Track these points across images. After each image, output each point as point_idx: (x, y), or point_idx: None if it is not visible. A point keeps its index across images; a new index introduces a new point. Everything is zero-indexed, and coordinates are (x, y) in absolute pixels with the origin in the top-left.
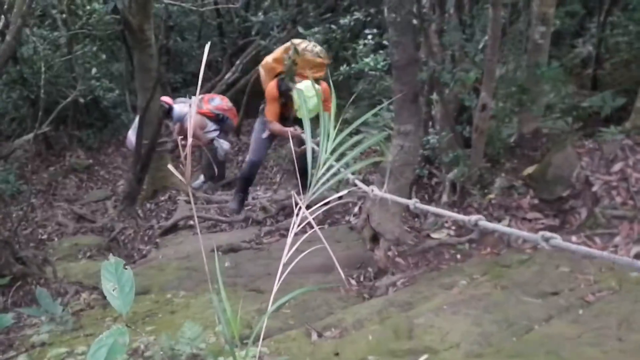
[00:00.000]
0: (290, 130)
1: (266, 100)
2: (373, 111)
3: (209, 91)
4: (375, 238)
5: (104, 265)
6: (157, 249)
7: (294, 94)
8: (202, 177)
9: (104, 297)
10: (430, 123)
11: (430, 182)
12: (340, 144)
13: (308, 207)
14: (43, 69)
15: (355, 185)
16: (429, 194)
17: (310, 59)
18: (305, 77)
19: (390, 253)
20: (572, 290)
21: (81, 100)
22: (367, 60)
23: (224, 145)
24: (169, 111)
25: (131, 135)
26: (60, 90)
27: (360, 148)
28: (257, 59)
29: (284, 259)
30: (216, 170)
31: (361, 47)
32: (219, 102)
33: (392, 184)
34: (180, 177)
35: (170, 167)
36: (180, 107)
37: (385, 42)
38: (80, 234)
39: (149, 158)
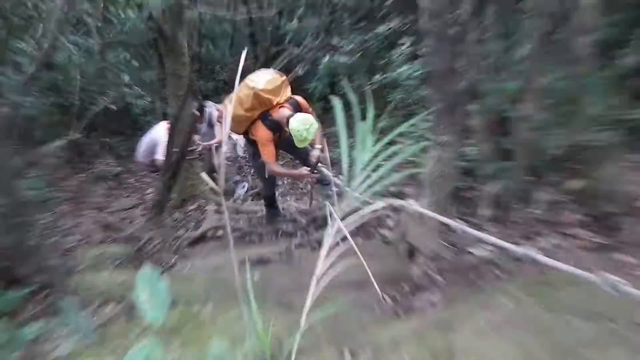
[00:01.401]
0: (296, 173)
1: (258, 144)
2: (411, 121)
3: None
4: (411, 253)
5: (139, 275)
6: (185, 260)
7: (293, 132)
8: (245, 185)
9: (130, 308)
10: (469, 134)
11: (469, 195)
12: (376, 154)
13: (342, 219)
14: (78, 76)
15: (391, 197)
16: (468, 208)
17: (274, 86)
18: (282, 107)
19: (427, 269)
20: (627, 314)
21: (112, 107)
22: (402, 69)
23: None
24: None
25: (140, 152)
26: (92, 97)
27: (398, 159)
28: (289, 67)
29: (317, 273)
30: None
31: (396, 56)
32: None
33: (429, 196)
34: (213, 184)
35: (204, 175)
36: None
37: (420, 51)
38: (107, 243)
39: (179, 166)
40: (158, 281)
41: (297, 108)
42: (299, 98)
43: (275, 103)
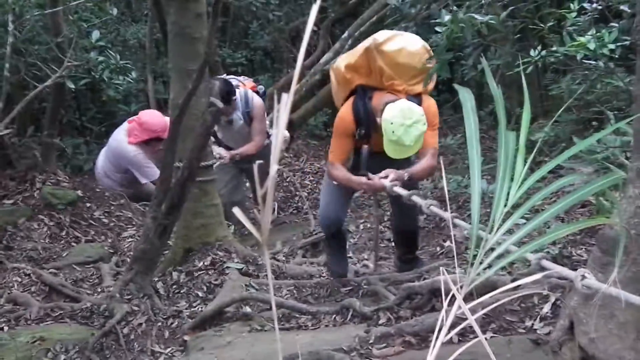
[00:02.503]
0: (363, 182)
1: (333, 130)
2: (597, 136)
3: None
4: None
5: None
6: (186, 354)
7: (384, 124)
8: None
9: None
10: None
11: None
12: (527, 191)
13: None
14: (11, 28)
15: (552, 264)
16: None
17: (407, 63)
18: (399, 93)
19: None
20: None
21: (70, 85)
22: (582, 39)
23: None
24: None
25: (102, 167)
26: (34, 67)
27: (570, 200)
28: (376, 30)
29: None
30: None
31: (573, 15)
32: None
33: (625, 268)
34: (248, 224)
35: (237, 211)
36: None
37: (620, 9)
38: (50, 321)
39: (183, 193)
40: None
41: None
42: (429, 100)
43: (389, 84)
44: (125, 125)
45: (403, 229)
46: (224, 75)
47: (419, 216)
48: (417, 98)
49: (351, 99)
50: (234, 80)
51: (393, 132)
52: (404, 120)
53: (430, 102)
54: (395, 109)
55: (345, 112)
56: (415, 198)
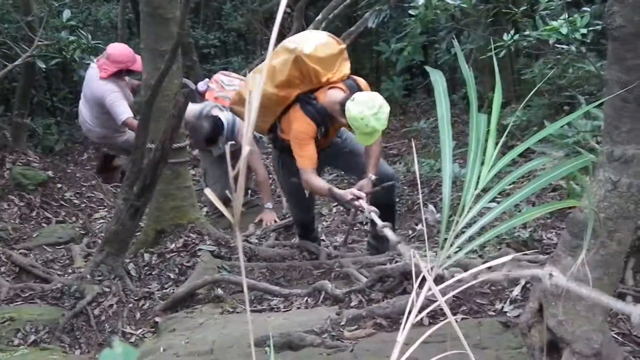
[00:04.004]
0: (347, 198)
1: (292, 143)
2: (566, 118)
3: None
4: (554, 348)
5: (103, 359)
6: (157, 336)
7: (354, 123)
8: None
9: None
10: None
11: None
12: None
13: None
14: None
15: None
16: None
17: (328, 54)
18: (335, 83)
19: None
20: None
21: (40, 65)
22: (555, 24)
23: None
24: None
25: (83, 117)
26: (4, 46)
27: (538, 183)
28: (351, 12)
29: None
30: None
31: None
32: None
33: (593, 251)
34: (222, 207)
35: (208, 192)
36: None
37: None
38: (20, 301)
39: (155, 174)
40: None
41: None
42: (360, 80)
43: (324, 80)
44: (94, 65)
45: (379, 203)
46: (219, 74)
47: (395, 191)
48: (350, 80)
49: (296, 111)
50: (233, 78)
51: (367, 125)
52: (371, 110)
53: (362, 80)
54: (358, 105)
55: (302, 121)
56: (387, 231)
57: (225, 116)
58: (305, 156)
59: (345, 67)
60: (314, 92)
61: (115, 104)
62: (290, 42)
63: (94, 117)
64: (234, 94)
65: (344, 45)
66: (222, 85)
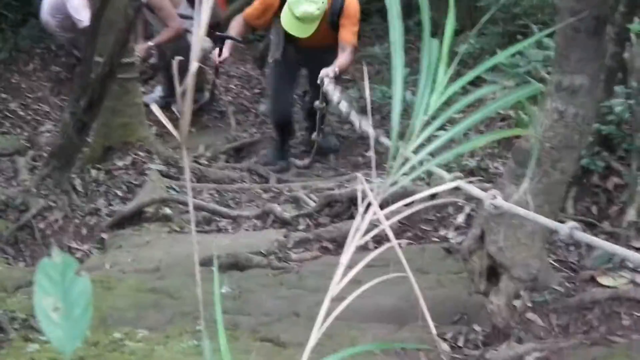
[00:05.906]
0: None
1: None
2: (517, 46)
3: None
4: (493, 273)
5: (41, 267)
6: (103, 252)
7: (287, 6)
8: (159, 89)
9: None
10: (620, 75)
11: (607, 182)
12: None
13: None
14: None
15: (467, 176)
16: (601, 205)
17: None
18: None
19: (518, 303)
20: None
21: None
22: None
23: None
24: None
25: (46, 9)
26: None
27: (487, 111)
28: None
29: (331, 292)
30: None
31: None
32: None
33: (535, 180)
34: (168, 124)
35: (155, 107)
36: None
37: None
38: None
39: (103, 89)
40: (74, 279)
41: None
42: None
43: None
44: None
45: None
46: None
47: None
48: None
49: None
50: None
51: (290, 7)
52: None
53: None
54: None
55: None
56: (342, 105)
57: None
58: (252, 7)
59: None
60: None
61: (79, 9)
62: None
63: (58, 17)
64: None
65: None
66: None
